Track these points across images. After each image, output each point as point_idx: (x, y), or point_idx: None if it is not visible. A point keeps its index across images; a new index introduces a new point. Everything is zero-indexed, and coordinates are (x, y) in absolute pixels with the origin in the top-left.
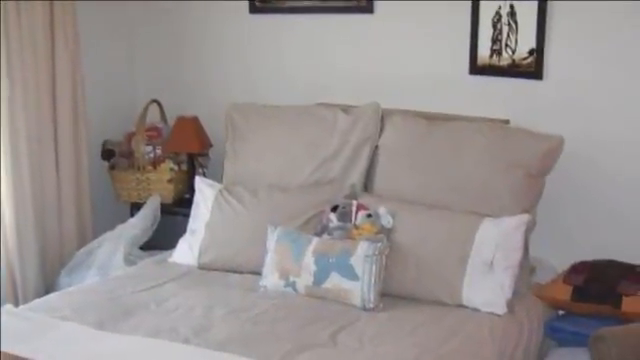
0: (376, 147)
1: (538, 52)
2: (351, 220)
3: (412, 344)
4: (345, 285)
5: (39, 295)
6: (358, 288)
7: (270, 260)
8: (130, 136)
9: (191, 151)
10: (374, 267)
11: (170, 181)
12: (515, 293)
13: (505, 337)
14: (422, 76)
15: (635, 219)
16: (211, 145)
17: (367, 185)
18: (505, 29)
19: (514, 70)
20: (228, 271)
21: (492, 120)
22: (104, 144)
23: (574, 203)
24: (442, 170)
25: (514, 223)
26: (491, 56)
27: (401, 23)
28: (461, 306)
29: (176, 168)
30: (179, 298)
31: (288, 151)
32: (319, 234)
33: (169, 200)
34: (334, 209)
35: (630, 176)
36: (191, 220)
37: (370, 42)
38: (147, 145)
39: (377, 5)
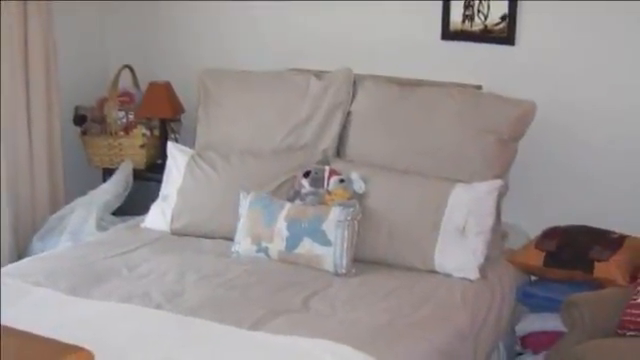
0: (348, 112)
1: (510, 18)
2: (323, 185)
3: (384, 309)
4: (317, 250)
5: (12, 260)
6: (330, 253)
7: (242, 226)
8: (102, 101)
9: (163, 116)
10: (346, 232)
11: (142, 147)
12: (487, 258)
13: (477, 302)
14: (394, 41)
15: (607, 184)
16: (183, 111)
17: (339, 150)
18: None
19: (486, 36)
20: (200, 236)
21: (464, 85)
22: (76, 109)
23: (546, 169)
24: (414, 135)
25: (486, 188)
26: (463, 22)
27: None
28: (433, 271)
29: (148, 134)
30: (151, 264)
31: (260, 116)
32: (291, 200)
33: (141, 166)
34: (306, 174)
35: (602, 141)
36: (163, 186)
37: (342, 7)
38: (119, 110)
39: None
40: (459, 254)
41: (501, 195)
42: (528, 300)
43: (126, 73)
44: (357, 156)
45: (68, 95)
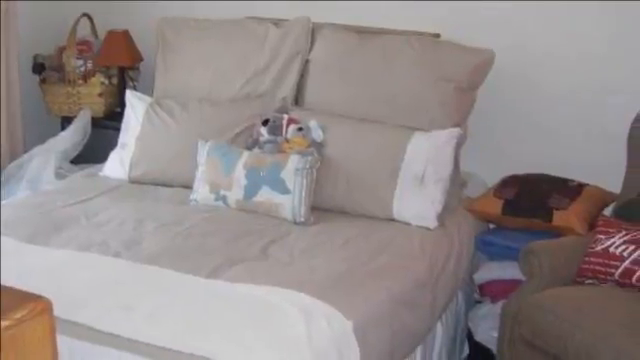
0: (307, 61)
1: None
2: (282, 134)
3: (343, 258)
4: (276, 199)
5: None
6: (289, 202)
7: (201, 174)
8: (61, 50)
9: (122, 65)
10: (305, 181)
11: (101, 95)
12: (446, 207)
13: (436, 251)
14: None
15: (566, 133)
16: (142, 59)
17: (298, 99)
18: None
19: None
20: (159, 185)
21: (422, 34)
22: (35, 58)
23: (505, 117)
24: (373, 84)
25: (445, 137)
26: None
27: None
28: (392, 220)
29: (107, 82)
30: (110, 212)
31: (218, 65)
32: (250, 148)
33: (100, 114)
34: (265, 123)
35: (561, 90)
36: (122, 134)
37: None
38: (78, 59)
39: None
40: (417, 202)
41: (460, 143)
42: (487, 248)
43: (84, 21)
44: (315, 104)
45: (26, 43)
